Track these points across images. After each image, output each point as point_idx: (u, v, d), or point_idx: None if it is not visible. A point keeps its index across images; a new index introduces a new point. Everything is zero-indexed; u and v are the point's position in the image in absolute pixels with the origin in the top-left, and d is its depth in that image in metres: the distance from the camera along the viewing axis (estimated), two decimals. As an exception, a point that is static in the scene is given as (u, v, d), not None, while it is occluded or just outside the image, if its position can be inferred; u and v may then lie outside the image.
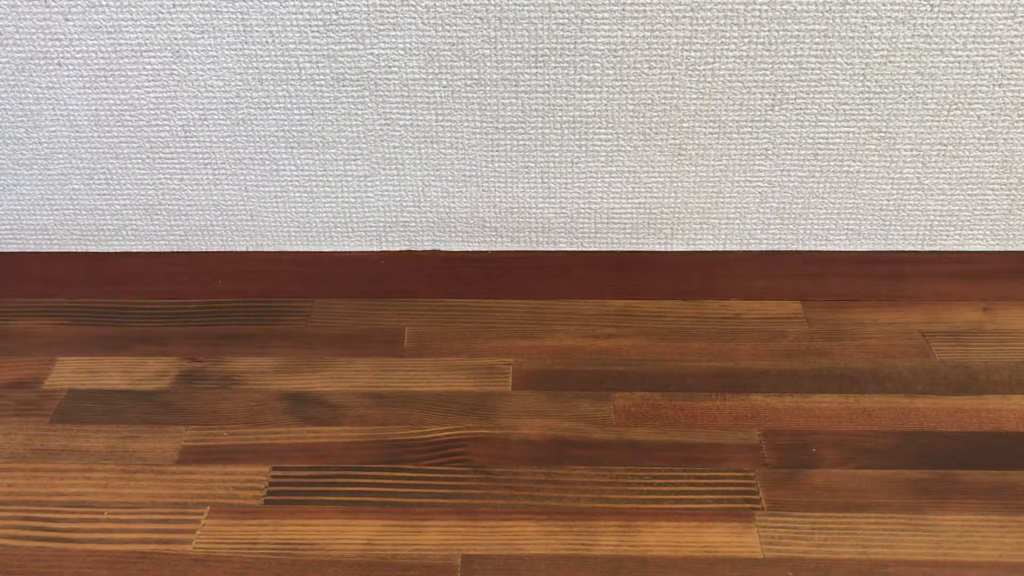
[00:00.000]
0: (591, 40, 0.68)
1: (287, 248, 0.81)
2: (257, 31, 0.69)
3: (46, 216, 0.79)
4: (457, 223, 0.79)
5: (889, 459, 0.65)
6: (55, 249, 0.81)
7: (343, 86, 0.71)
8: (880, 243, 0.79)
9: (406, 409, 0.70)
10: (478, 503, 0.63)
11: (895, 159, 0.74)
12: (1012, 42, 0.68)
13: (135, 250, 0.81)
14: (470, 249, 0.80)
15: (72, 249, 0.81)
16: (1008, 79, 0.70)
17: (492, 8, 0.67)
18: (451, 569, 0.58)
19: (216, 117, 0.73)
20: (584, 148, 0.74)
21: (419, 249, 0.81)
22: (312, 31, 0.68)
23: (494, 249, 0.80)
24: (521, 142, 0.74)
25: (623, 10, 0.67)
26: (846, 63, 0.69)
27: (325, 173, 0.76)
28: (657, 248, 0.80)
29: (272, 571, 0.58)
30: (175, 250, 0.81)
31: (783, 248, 0.79)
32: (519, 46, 0.69)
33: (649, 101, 0.71)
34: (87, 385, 0.74)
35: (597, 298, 0.82)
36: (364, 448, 0.67)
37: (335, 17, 0.68)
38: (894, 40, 0.68)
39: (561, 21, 0.67)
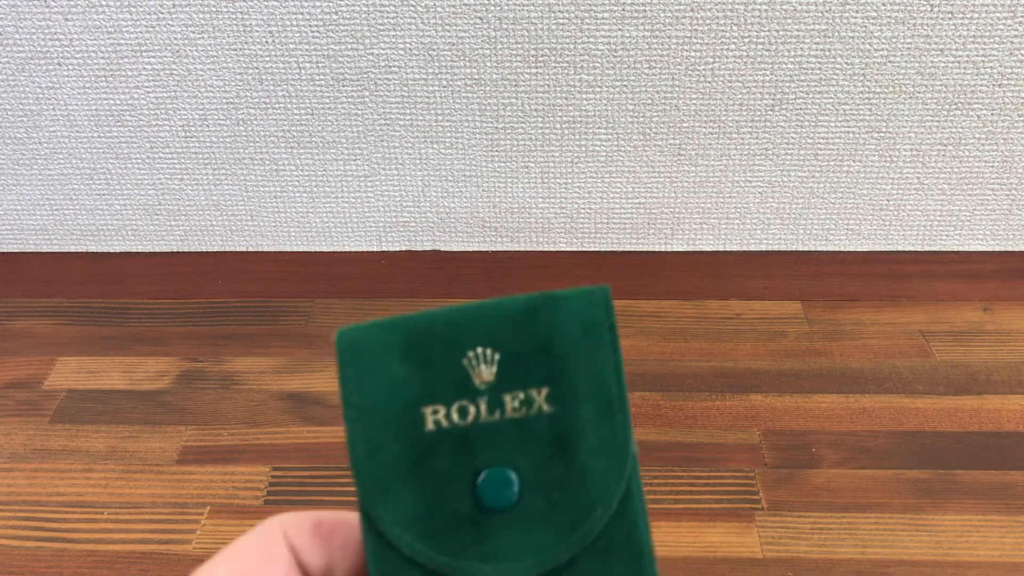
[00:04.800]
0: (591, 40, 0.68)
1: (287, 248, 0.80)
2: (257, 31, 0.69)
3: (46, 216, 0.79)
4: (457, 223, 0.79)
5: (889, 459, 0.65)
6: (55, 249, 0.81)
7: (343, 86, 0.71)
8: (880, 243, 0.79)
9: (406, 409, 0.70)
10: (478, 503, 0.63)
11: (895, 159, 0.74)
12: (1012, 42, 0.68)
13: (135, 250, 0.81)
14: (470, 249, 0.80)
15: (72, 249, 0.81)
16: (1008, 79, 0.69)
17: (492, 8, 0.67)
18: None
19: (216, 117, 0.73)
20: (584, 148, 0.74)
21: (419, 249, 0.81)
22: (312, 31, 0.68)
23: (494, 249, 0.80)
24: (521, 142, 0.74)
25: (623, 10, 0.67)
26: (846, 63, 0.69)
27: (325, 173, 0.76)
28: (657, 248, 0.80)
29: (272, 571, 0.58)
30: (175, 250, 0.81)
31: (783, 248, 0.79)
32: (519, 46, 0.69)
33: (649, 101, 0.71)
34: (87, 385, 0.73)
35: (597, 298, 0.81)
36: (364, 448, 0.67)
37: (335, 17, 0.68)
38: (894, 40, 0.68)
39: (561, 21, 0.67)
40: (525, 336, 0.28)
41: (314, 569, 0.28)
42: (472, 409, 0.27)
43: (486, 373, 0.27)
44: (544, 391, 0.28)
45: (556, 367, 0.28)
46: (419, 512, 0.27)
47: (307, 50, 0.69)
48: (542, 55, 0.69)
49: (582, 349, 0.28)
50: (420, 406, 0.27)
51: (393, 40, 0.69)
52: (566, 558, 0.27)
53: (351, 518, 0.29)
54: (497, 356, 0.28)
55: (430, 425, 0.27)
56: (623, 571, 0.27)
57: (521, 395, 0.27)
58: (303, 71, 0.70)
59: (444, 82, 0.71)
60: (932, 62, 0.69)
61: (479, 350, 0.28)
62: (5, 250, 0.82)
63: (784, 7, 0.66)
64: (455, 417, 0.27)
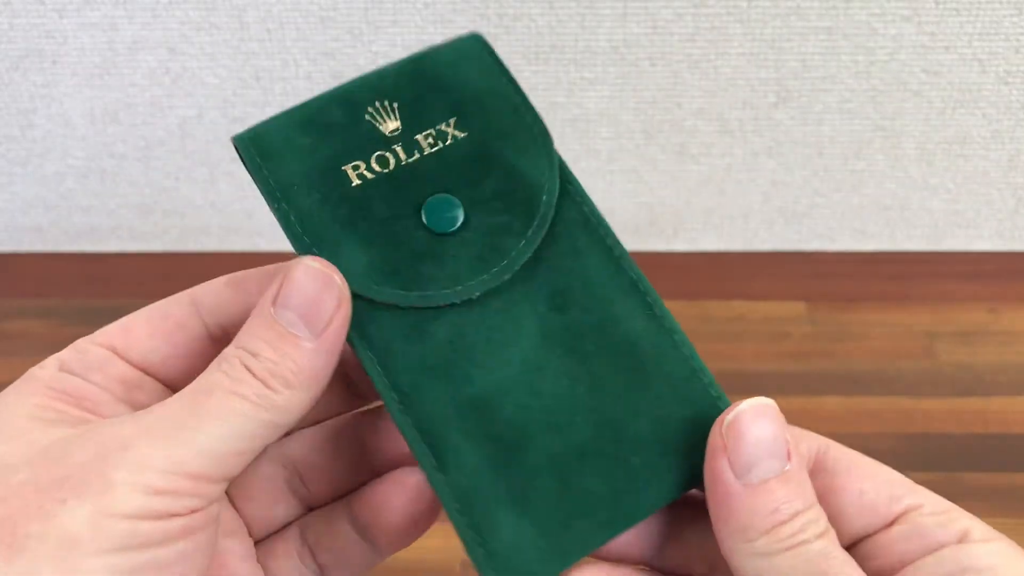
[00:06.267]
0: (592, 37, 0.68)
1: (285, 248, 0.80)
2: (254, 28, 0.68)
3: (40, 215, 0.79)
4: (457, 222, 0.78)
5: (894, 461, 0.64)
6: (49, 249, 0.81)
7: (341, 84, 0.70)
8: (885, 243, 0.78)
9: (405, 411, 0.69)
10: (478, 506, 0.62)
11: (900, 157, 0.73)
12: (1018, 39, 0.67)
13: (130, 250, 0.81)
14: (470, 249, 0.80)
15: (67, 249, 0.81)
16: (1014, 76, 0.69)
17: (492, 5, 0.66)
18: (450, 574, 0.57)
19: (212, 115, 0.72)
20: (585, 147, 0.73)
21: (418, 249, 0.80)
22: (309, 28, 0.68)
23: (494, 249, 0.80)
24: (521, 140, 0.73)
25: (625, 7, 0.66)
26: (851, 60, 0.68)
27: (323, 172, 0.75)
28: (659, 248, 0.79)
29: None
30: (171, 250, 0.80)
31: (787, 248, 0.79)
32: (519, 43, 0.68)
33: (651, 99, 0.70)
34: (82, 387, 0.73)
35: (598, 298, 0.81)
36: (362, 450, 0.66)
37: (332, 14, 0.67)
38: (899, 37, 0.67)
39: (562, 18, 0.67)
40: (416, 83, 0.28)
41: (224, 317, 0.28)
42: (390, 156, 0.27)
43: (391, 123, 0.28)
44: (452, 121, 0.28)
45: (454, 97, 0.28)
46: (374, 258, 0.27)
47: (304, 47, 0.69)
48: (543, 52, 0.68)
49: (471, 76, 0.29)
50: (338, 167, 0.27)
51: (392, 37, 0.68)
52: (532, 252, 0.27)
53: (268, 268, 0.29)
54: (396, 105, 0.28)
55: (355, 180, 0.27)
56: (588, 241, 0.28)
57: (432, 132, 0.28)
58: (300, 68, 0.70)
59: (443, 80, 0.70)
60: (938, 59, 0.68)
61: (377, 104, 0.28)
62: (-1, 250, 0.81)
63: (788, 4, 0.65)
64: (376, 167, 0.27)
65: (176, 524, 0.23)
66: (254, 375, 0.25)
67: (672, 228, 0.78)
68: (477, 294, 0.27)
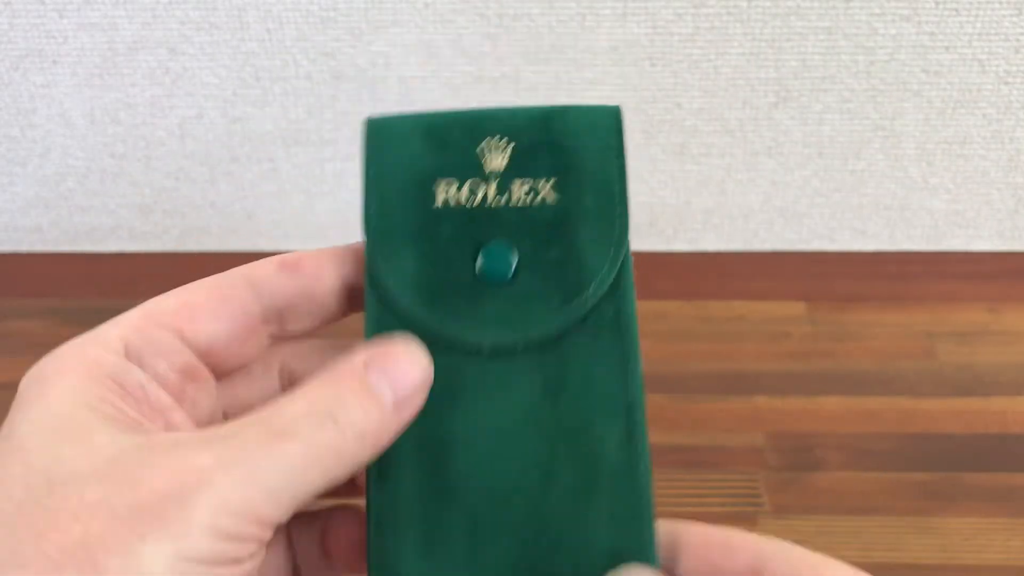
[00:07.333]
0: (592, 37, 0.68)
1: (285, 247, 0.79)
2: (254, 28, 0.68)
3: (40, 215, 0.79)
4: (457, 222, 0.78)
5: (894, 461, 0.64)
6: (49, 249, 0.81)
7: (341, 83, 0.70)
8: (885, 243, 0.78)
9: (405, 411, 0.69)
10: (478, 506, 0.62)
11: (900, 157, 0.73)
12: (1018, 39, 0.67)
13: (130, 250, 0.81)
14: (470, 249, 0.80)
15: (67, 249, 0.81)
16: (1014, 76, 0.69)
17: (492, 4, 0.66)
18: None
19: (212, 115, 0.72)
20: (585, 147, 0.73)
21: (418, 249, 0.80)
22: (309, 28, 0.68)
23: (494, 249, 0.80)
24: (521, 140, 0.73)
25: (625, 7, 0.66)
26: (851, 60, 0.68)
27: (323, 172, 0.75)
28: (659, 248, 0.79)
29: None
30: (171, 250, 0.80)
31: (787, 248, 0.79)
32: (519, 43, 0.68)
33: (651, 99, 0.70)
34: (82, 387, 0.72)
35: (598, 298, 0.81)
36: (362, 450, 0.66)
37: (332, 14, 0.67)
38: (899, 37, 0.67)
39: (562, 18, 0.67)
40: (538, 132, 0.30)
41: (280, 301, 0.29)
42: (482, 188, 0.29)
43: (498, 160, 0.29)
44: (551, 182, 0.30)
45: (563, 161, 0.30)
46: (420, 272, 0.29)
47: (304, 47, 0.69)
48: (543, 52, 0.68)
49: (589, 148, 0.30)
50: (433, 181, 0.30)
51: (392, 37, 0.68)
52: (556, 332, 0.29)
53: (323, 251, 0.30)
54: (511, 146, 0.30)
55: (439, 201, 0.29)
56: (609, 346, 0.30)
57: (530, 182, 0.29)
58: (300, 69, 0.70)
59: (443, 79, 0.70)
60: (937, 59, 0.68)
61: (495, 138, 0.30)
62: (-1, 250, 0.81)
63: (788, 4, 0.66)
64: (465, 193, 0.29)
65: (236, 571, 0.23)
66: (335, 428, 0.24)
67: (672, 228, 0.78)
68: (487, 346, 0.28)
